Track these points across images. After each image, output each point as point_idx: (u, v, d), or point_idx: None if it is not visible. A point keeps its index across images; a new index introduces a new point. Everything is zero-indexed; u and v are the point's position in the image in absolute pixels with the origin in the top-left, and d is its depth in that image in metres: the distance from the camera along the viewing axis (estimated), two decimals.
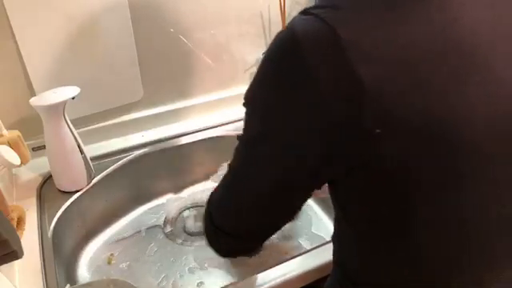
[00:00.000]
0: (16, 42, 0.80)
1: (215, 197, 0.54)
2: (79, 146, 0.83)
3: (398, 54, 0.36)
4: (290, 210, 0.49)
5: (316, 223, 0.97)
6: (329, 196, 0.50)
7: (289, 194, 0.46)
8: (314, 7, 0.39)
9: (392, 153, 0.37)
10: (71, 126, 0.81)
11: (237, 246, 0.54)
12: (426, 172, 0.39)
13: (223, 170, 0.87)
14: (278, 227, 0.51)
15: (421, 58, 0.36)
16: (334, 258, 0.58)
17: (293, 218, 0.50)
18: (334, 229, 0.55)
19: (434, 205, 0.41)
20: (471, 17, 0.38)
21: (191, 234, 0.95)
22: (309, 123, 0.39)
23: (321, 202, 1.01)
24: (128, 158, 0.96)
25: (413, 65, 0.36)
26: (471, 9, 0.38)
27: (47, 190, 0.86)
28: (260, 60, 1.14)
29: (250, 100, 0.46)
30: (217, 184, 0.54)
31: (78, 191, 0.86)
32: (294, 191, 0.45)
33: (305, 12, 0.40)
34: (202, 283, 0.83)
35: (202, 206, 1.02)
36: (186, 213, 1.01)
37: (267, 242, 0.54)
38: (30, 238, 0.74)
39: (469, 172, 0.39)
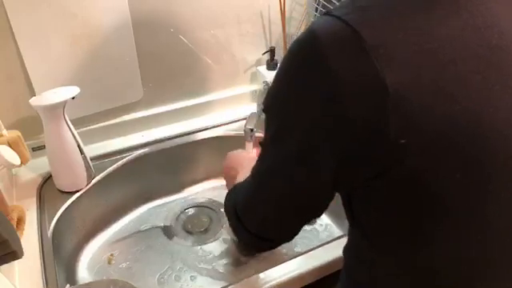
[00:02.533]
0: (16, 42, 0.80)
1: (241, 200, 0.53)
2: (79, 146, 0.83)
3: (425, 60, 0.35)
4: (314, 209, 0.48)
5: (316, 224, 0.97)
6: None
7: (311, 194, 0.45)
8: (337, 9, 0.38)
9: (413, 162, 0.36)
10: (71, 126, 0.81)
11: (266, 245, 0.55)
12: (448, 183, 0.37)
13: None
14: (302, 225, 0.51)
15: (449, 65, 0.35)
16: (344, 270, 0.57)
17: (319, 216, 0.49)
18: (347, 241, 0.54)
19: (454, 217, 0.39)
20: (503, 24, 0.37)
21: (191, 234, 0.95)
22: (328, 125, 0.37)
23: None
24: (128, 157, 0.96)
25: (440, 72, 0.35)
26: (504, 16, 0.37)
27: (47, 190, 0.86)
28: (260, 60, 1.15)
29: (269, 105, 0.45)
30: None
31: (78, 191, 0.86)
32: (315, 192, 0.44)
33: (327, 13, 0.38)
34: (202, 283, 0.83)
35: (201, 205, 1.02)
36: (186, 212, 1.01)
37: None
38: (30, 238, 0.74)
39: (494, 185, 0.38)
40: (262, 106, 0.47)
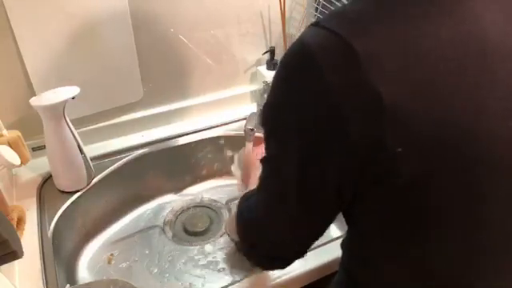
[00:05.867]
0: (16, 42, 0.80)
1: (252, 224, 0.53)
2: (79, 146, 0.83)
3: (417, 70, 0.35)
4: (324, 222, 0.47)
5: None
6: None
7: (318, 208, 0.45)
8: (327, 20, 0.38)
9: (410, 168, 0.36)
10: (71, 126, 0.81)
11: (280, 263, 0.54)
12: (446, 187, 0.38)
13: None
14: (316, 238, 0.50)
15: (441, 73, 0.35)
16: (341, 262, 0.57)
17: (328, 227, 0.49)
18: (345, 235, 0.55)
19: (450, 218, 0.40)
20: (492, 30, 0.37)
21: (191, 234, 0.95)
22: (327, 135, 0.37)
23: None
24: (128, 157, 0.96)
25: (432, 80, 0.35)
26: (490, 21, 0.37)
27: (47, 190, 0.86)
28: (260, 60, 1.15)
29: (266, 120, 0.44)
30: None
31: (78, 191, 0.86)
32: (320, 205, 0.44)
33: (317, 25, 0.38)
34: (202, 283, 0.83)
35: (201, 206, 1.02)
36: (185, 213, 1.01)
37: None
38: (30, 238, 0.74)
39: (491, 186, 0.39)
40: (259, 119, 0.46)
